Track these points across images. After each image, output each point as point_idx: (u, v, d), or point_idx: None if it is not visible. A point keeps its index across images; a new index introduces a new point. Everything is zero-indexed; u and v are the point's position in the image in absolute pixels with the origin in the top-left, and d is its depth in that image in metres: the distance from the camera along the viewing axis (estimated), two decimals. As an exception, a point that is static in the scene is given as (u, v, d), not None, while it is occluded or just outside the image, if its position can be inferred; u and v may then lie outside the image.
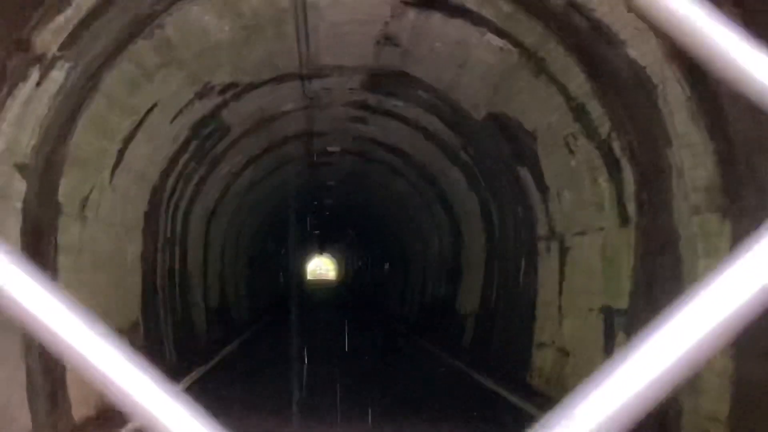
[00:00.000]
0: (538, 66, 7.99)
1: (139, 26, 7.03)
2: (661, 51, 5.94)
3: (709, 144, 5.74)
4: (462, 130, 11.42)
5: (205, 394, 8.23)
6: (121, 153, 8.41)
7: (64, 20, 5.75)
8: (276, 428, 7.15)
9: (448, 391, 9.65)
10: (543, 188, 9.71)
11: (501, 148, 10.58)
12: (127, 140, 8.44)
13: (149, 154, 9.43)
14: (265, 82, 10.20)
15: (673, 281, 6.35)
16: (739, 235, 5.43)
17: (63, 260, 7.03)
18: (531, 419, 7.01)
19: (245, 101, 10.58)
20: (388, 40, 9.02)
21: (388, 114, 12.37)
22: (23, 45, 5.49)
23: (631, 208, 7.31)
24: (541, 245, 10.08)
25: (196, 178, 11.94)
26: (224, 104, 10.29)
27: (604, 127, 7.51)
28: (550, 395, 8.56)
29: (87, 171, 7.61)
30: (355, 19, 8.41)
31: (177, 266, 11.99)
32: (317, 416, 7.74)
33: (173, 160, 10.41)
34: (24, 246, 6.10)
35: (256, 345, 14.96)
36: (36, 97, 5.96)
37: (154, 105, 8.58)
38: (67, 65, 6.17)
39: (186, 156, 10.78)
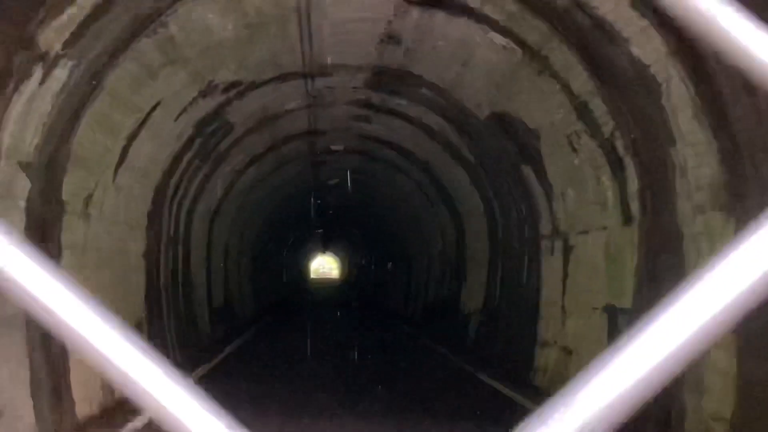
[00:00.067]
0: (542, 64, 7.98)
1: (143, 24, 7.04)
2: (665, 49, 5.92)
3: (713, 142, 5.73)
4: (465, 128, 11.41)
5: (208, 393, 8.22)
6: (124, 151, 8.42)
7: (68, 18, 5.76)
8: (281, 424, 7.16)
9: (452, 390, 9.65)
10: (546, 187, 9.70)
11: (504, 147, 10.57)
12: (131, 138, 8.44)
13: (153, 153, 9.44)
14: (268, 81, 10.21)
15: (676, 280, 6.32)
16: (743, 234, 5.40)
17: (66, 258, 7.04)
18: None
19: (249, 100, 10.59)
20: (391, 38, 9.01)
21: (392, 113, 12.37)
22: (27, 43, 5.50)
23: (635, 206, 7.30)
24: (545, 244, 10.07)
25: (199, 177, 11.95)
26: (228, 102, 10.30)
27: (608, 126, 7.50)
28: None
29: (90, 169, 7.62)
30: (359, 18, 8.40)
31: (180, 265, 12.00)
32: (321, 413, 7.74)
33: (177, 159, 10.42)
34: (27, 244, 6.10)
35: (260, 343, 14.97)
36: (39, 95, 5.97)
37: (158, 103, 8.59)
38: (70, 63, 6.17)
39: (189, 154, 10.79)
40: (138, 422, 6.96)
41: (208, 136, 10.97)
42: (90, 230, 7.76)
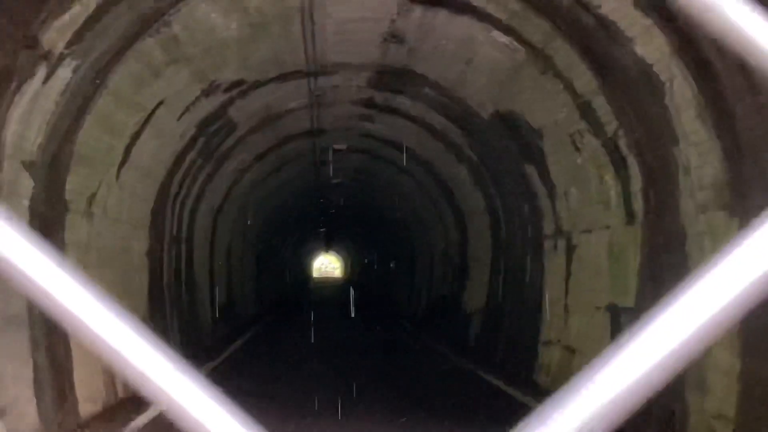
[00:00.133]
0: (545, 63, 7.97)
1: (146, 24, 7.04)
2: (669, 48, 5.91)
3: (716, 142, 5.72)
4: (468, 127, 11.40)
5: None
6: (127, 150, 8.43)
7: (71, 18, 5.76)
8: (284, 422, 7.16)
9: (454, 389, 9.65)
10: (549, 186, 9.69)
11: (507, 146, 10.56)
12: (134, 137, 8.45)
13: (156, 152, 9.45)
14: (271, 80, 10.21)
15: (679, 279, 6.30)
16: (747, 233, 5.40)
17: (70, 257, 7.05)
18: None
19: (251, 99, 10.59)
20: (394, 37, 9.01)
21: (395, 111, 12.36)
22: (30, 42, 5.51)
23: (638, 205, 7.29)
24: (548, 243, 10.06)
25: (202, 176, 11.96)
26: (231, 101, 10.31)
27: (611, 125, 7.49)
28: (556, 393, 8.54)
29: (94, 168, 7.63)
30: (362, 17, 8.40)
31: (183, 263, 12.02)
32: (324, 410, 7.75)
33: (180, 158, 10.43)
34: (31, 243, 6.11)
35: (262, 342, 14.97)
36: (43, 94, 5.98)
37: (161, 102, 8.60)
38: (73, 63, 6.18)
39: (192, 153, 10.80)
40: (140, 421, 6.97)
41: (211, 135, 10.97)
42: (93, 229, 7.77)
